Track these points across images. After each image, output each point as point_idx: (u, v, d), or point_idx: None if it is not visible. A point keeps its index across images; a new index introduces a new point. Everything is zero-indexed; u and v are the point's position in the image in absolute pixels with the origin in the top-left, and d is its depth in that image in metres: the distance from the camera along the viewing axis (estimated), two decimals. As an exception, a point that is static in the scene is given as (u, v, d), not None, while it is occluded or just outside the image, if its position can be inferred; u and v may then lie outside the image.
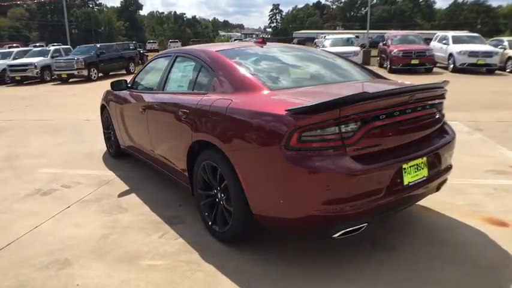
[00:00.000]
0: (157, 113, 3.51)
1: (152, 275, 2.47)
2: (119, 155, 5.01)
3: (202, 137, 2.74)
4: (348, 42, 18.22)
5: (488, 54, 13.96)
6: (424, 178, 2.50)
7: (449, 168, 2.83)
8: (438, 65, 15.68)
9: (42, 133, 6.98)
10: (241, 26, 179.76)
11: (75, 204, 3.72)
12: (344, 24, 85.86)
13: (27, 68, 16.52)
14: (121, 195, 3.87)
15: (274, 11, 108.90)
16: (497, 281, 2.35)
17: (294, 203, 2.22)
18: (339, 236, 2.22)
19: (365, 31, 27.87)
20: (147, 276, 2.46)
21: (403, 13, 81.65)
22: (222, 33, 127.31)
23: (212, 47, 3.37)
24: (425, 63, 14.62)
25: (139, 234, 3.04)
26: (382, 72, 15.42)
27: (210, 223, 2.88)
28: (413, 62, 14.54)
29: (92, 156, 5.30)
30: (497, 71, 14.35)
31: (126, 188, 4.08)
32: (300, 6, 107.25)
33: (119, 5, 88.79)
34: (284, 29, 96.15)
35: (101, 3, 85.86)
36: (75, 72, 16.20)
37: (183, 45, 45.34)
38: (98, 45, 18.40)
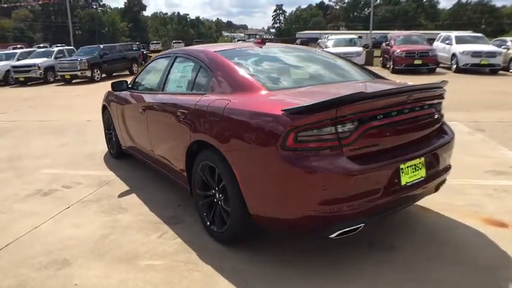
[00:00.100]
0: (157, 114, 3.53)
1: (150, 275, 2.48)
2: (120, 156, 5.03)
3: (201, 137, 2.75)
4: (351, 42, 18.21)
5: (492, 55, 13.89)
6: (422, 178, 2.49)
7: (448, 168, 2.82)
8: (441, 65, 15.63)
9: (45, 134, 7.02)
10: (244, 27, 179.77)
11: (75, 204, 3.73)
12: (347, 25, 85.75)
13: (30, 69, 16.61)
14: (121, 195, 3.89)
15: (278, 11, 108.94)
16: (495, 281, 2.34)
17: (290, 203, 2.22)
18: (335, 236, 2.22)
19: (368, 31, 27.83)
20: (145, 276, 2.47)
21: (406, 13, 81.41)
22: (225, 33, 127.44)
23: (211, 48, 3.37)
24: (428, 63, 14.57)
25: (138, 234, 3.05)
26: (385, 72, 15.51)
27: (208, 223, 2.89)
28: (416, 62, 14.49)
29: (93, 156, 5.33)
30: (500, 71, 14.27)
31: (126, 188, 4.10)
32: (304, 6, 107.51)
33: (123, 6, 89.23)
34: (287, 29, 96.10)
35: (104, 4, 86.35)
36: (79, 73, 16.27)
37: (186, 45, 45.43)
38: (101, 46, 18.47)
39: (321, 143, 2.12)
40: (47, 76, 17.05)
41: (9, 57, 18.34)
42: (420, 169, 2.48)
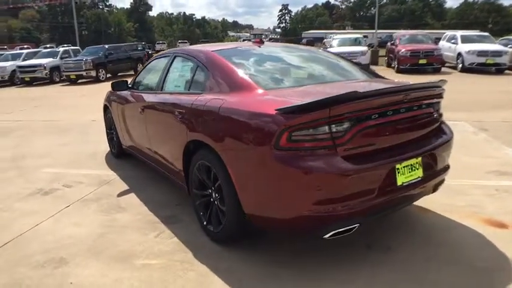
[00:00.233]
0: (155, 113, 3.54)
1: (146, 274, 2.49)
2: (121, 155, 5.05)
3: (197, 137, 2.75)
4: (356, 42, 18.11)
5: (498, 54, 13.74)
6: (419, 178, 2.47)
7: (446, 168, 2.80)
8: (447, 64, 15.50)
9: (49, 133, 7.07)
10: (250, 27, 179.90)
11: (75, 203, 3.75)
12: (353, 24, 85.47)
13: (36, 69, 16.76)
14: (120, 195, 3.90)
15: (284, 11, 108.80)
16: (492, 283, 2.32)
17: (284, 203, 2.21)
18: (330, 236, 2.20)
19: (374, 31, 27.70)
20: (141, 275, 2.48)
21: (413, 12, 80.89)
22: (231, 33, 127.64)
23: (210, 47, 3.37)
24: (433, 63, 14.45)
25: (136, 233, 3.06)
26: (389, 72, 15.44)
27: (205, 223, 2.89)
28: (421, 61, 14.38)
29: (95, 156, 5.35)
30: (506, 71, 14.12)
31: (126, 187, 4.11)
32: (309, 6, 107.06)
33: (129, 6, 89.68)
34: (293, 29, 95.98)
35: (111, 5, 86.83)
36: (84, 73, 16.39)
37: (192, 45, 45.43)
38: (106, 46, 18.58)
39: (314, 143, 2.11)
40: (52, 76, 17.19)
41: (15, 57, 18.53)
42: (417, 169, 2.46)
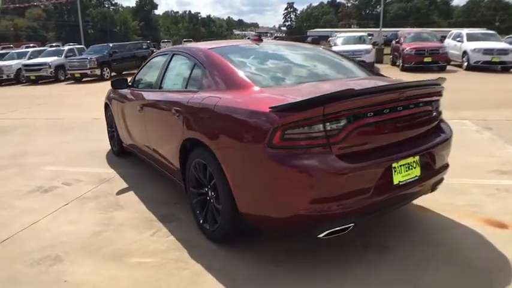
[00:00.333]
0: (153, 111, 3.53)
1: (139, 273, 2.48)
2: (122, 153, 5.05)
3: (193, 135, 2.74)
4: (360, 40, 17.97)
5: (503, 52, 13.56)
6: (417, 177, 2.43)
7: (445, 167, 2.76)
8: (452, 63, 15.35)
9: (52, 131, 7.10)
10: (255, 25, 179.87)
11: (74, 201, 3.76)
12: (359, 22, 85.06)
13: (41, 67, 16.86)
14: (119, 193, 3.90)
15: (289, 9, 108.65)
16: (491, 284, 2.28)
17: (278, 202, 2.19)
18: (324, 236, 2.18)
19: (379, 29, 27.54)
20: (134, 274, 2.47)
21: (419, 10, 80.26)
22: (236, 32, 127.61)
23: (207, 45, 3.36)
24: (438, 61, 14.30)
25: (132, 231, 3.06)
26: (394, 70, 15.33)
27: (201, 221, 2.88)
28: (426, 60, 14.25)
29: (96, 154, 5.36)
30: (512, 69, 13.97)
31: (125, 186, 4.11)
32: (315, 4, 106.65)
33: (134, 5, 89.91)
34: (298, 27, 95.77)
35: (116, 3, 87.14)
36: (88, 72, 16.47)
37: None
38: (111, 45, 18.62)
39: (308, 141, 2.08)
40: (57, 74, 17.28)
41: (20, 56, 18.65)
42: (414, 168, 2.42)
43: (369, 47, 16.77)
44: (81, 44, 24.35)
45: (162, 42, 56.11)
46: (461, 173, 3.91)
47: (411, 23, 65.99)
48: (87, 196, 3.87)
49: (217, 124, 2.49)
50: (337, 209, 2.12)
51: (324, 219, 2.14)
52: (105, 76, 16.89)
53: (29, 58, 18.09)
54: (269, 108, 2.11)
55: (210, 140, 2.52)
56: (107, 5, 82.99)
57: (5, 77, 17.24)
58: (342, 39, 18.22)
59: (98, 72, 16.56)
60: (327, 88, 2.45)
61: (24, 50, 21.52)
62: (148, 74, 4.15)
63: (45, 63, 16.93)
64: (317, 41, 47.21)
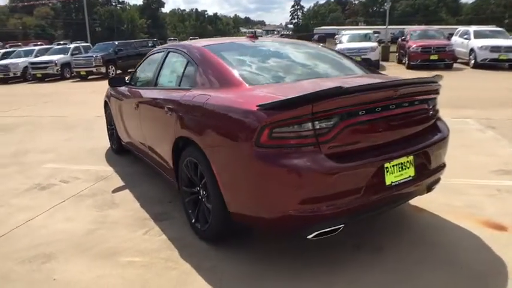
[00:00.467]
0: (148, 109, 3.51)
1: (128, 272, 2.47)
2: (121, 151, 5.04)
3: (184, 133, 2.71)
4: (366, 38, 17.78)
5: (511, 50, 13.35)
6: (410, 178, 2.38)
7: (441, 167, 2.69)
8: (459, 60, 15.17)
9: (55, 129, 7.13)
10: (262, 23, 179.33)
11: (70, 199, 3.76)
12: (366, 20, 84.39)
13: (47, 65, 16.97)
14: (115, 190, 3.90)
15: (296, 7, 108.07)
16: (486, 287, 2.22)
17: (266, 202, 2.15)
18: (313, 237, 2.14)
19: (388, 26, 27.23)
20: (123, 273, 2.46)
21: (427, 8, 79.37)
22: (243, 29, 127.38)
23: (202, 42, 3.32)
24: (444, 58, 14.12)
25: (125, 230, 3.05)
26: (400, 68, 15.16)
27: (193, 221, 2.85)
28: (432, 57, 14.07)
29: (96, 152, 5.37)
30: (520, 67, 13.74)
31: (122, 184, 4.11)
32: (322, 2, 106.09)
33: (141, 3, 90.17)
34: (305, 25, 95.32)
35: (123, 1, 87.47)
36: (94, 70, 16.54)
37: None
38: (116, 43, 18.68)
39: (297, 140, 2.04)
40: (63, 72, 17.39)
41: (27, 54, 18.80)
42: (408, 168, 2.37)
43: (374, 44, 16.59)
44: (87, 42, 24.46)
45: (169, 40, 56.17)
46: (461, 173, 3.84)
47: (419, 20, 65.27)
48: (83, 194, 3.87)
49: (207, 122, 2.46)
50: (326, 209, 2.08)
51: (313, 220, 2.10)
52: (111, 74, 16.93)
53: (36, 56, 18.23)
54: (256, 106, 2.07)
55: (200, 139, 2.49)
56: (114, 3, 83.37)
57: (12, 75, 17.39)
58: (347, 37, 18.04)
59: (103, 70, 16.61)
60: (320, 86, 2.40)
61: (31, 48, 21.67)
62: (145, 72, 4.14)
63: (51, 61, 17.04)
64: (323, 38, 47.02)
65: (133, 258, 2.62)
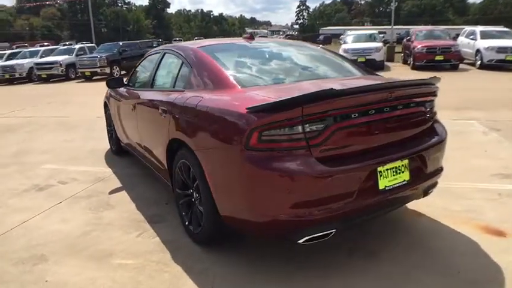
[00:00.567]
0: (145, 110, 3.50)
1: (120, 274, 2.45)
2: (120, 152, 5.04)
3: (177, 135, 2.69)
4: (371, 38, 17.66)
5: (518, 50, 13.18)
6: (405, 182, 2.34)
7: (438, 171, 2.64)
8: (466, 61, 15.00)
9: (57, 130, 7.16)
10: (268, 23, 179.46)
11: (67, 200, 3.76)
12: (372, 20, 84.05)
13: (52, 66, 17.09)
14: (112, 192, 3.89)
15: (301, 7, 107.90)
16: (481, 294, 2.18)
17: (255, 205, 2.12)
18: (304, 242, 2.10)
19: (393, 27, 27.10)
20: (115, 275, 2.44)
21: (434, 8, 78.80)
22: (248, 30, 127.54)
23: (198, 43, 3.30)
24: (450, 59, 13.95)
25: (119, 232, 3.03)
26: (405, 68, 15.03)
27: (186, 223, 2.83)
28: (438, 58, 13.91)
29: (96, 153, 5.38)
30: (527, 68, 13.56)
31: (119, 185, 4.10)
32: (328, 2, 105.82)
33: (147, 4, 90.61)
34: (311, 25, 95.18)
35: (129, 2, 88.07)
36: (98, 70, 16.63)
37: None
38: (121, 44, 18.76)
39: (287, 143, 2.01)
40: (68, 73, 17.49)
41: (33, 54, 18.95)
42: (403, 172, 2.33)
43: (379, 45, 16.48)
44: (92, 43, 24.60)
45: (174, 40, 56.39)
46: (462, 176, 3.79)
47: (425, 20, 64.81)
48: (80, 195, 3.87)
49: (199, 124, 2.44)
50: (317, 214, 2.04)
51: (303, 225, 2.07)
52: (115, 74, 16.99)
53: (41, 57, 18.37)
54: (246, 108, 2.04)
55: (192, 141, 2.47)
56: (120, 4, 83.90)
57: (17, 75, 17.54)
58: (352, 37, 17.93)
59: (107, 70, 16.69)
60: (313, 88, 2.37)
61: (36, 48, 21.84)
62: (142, 73, 4.14)
63: (56, 62, 17.16)
64: (329, 39, 46.89)
65: (126, 260, 2.61)
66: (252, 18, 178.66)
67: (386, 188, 2.24)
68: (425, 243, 2.72)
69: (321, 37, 51.22)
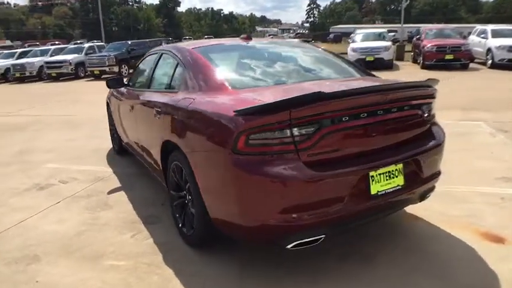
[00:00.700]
0: (142, 111, 3.49)
1: (110, 275, 2.45)
2: (122, 152, 5.06)
3: (170, 137, 2.68)
4: (380, 37, 17.46)
5: (530, 50, 12.89)
6: (399, 187, 2.28)
7: (435, 175, 2.57)
8: (477, 60, 14.74)
9: (62, 128, 7.23)
10: (278, 22, 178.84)
11: (66, 199, 3.78)
12: (383, 18, 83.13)
13: (62, 64, 17.30)
14: (111, 192, 3.90)
15: (312, 5, 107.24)
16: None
17: (243, 210, 2.10)
18: (293, 247, 2.07)
19: (405, 25, 26.77)
20: (105, 277, 2.44)
21: (446, 6, 77.62)
22: (259, 28, 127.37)
23: (194, 44, 3.29)
24: (460, 58, 13.70)
25: (114, 232, 3.04)
26: (414, 67, 14.82)
27: (180, 225, 2.82)
28: (448, 57, 13.68)
29: (98, 152, 5.40)
30: (540, 68, 13.25)
31: (118, 185, 4.11)
32: (338, 0, 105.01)
33: (158, 2, 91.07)
34: (321, 23, 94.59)
35: (140, 1, 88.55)
36: (107, 69, 16.74)
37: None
38: (129, 42, 18.89)
39: (274, 147, 1.97)
40: (77, 72, 17.68)
41: (43, 53, 19.19)
42: (396, 176, 2.27)
43: (388, 43, 16.26)
44: (102, 41, 24.82)
45: (184, 39, 56.55)
46: (464, 180, 3.70)
47: (438, 18, 63.94)
48: (79, 195, 3.89)
49: (189, 126, 2.43)
50: (306, 219, 2.01)
51: (292, 230, 2.03)
52: (124, 73, 17.10)
53: (51, 55, 18.58)
54: (234, 111, 2.01)
55: (183, 143, 2.46)
56: (130, 3, 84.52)
57: (27, 74, 17.78)
58: (361, 36, 17.73)
59: (116, 69, 16.79)
60: (305, 90, 2.33)
61: (47, 47, 22.11)
62: (141, 74, 4.13)
63: (65, 61, 17.35)
64: (339, 37, 46.49)
65: (118, 261, 2.61)
66: (262, 16, 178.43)
67: (379, 193, 2.19)
68: (423, 248, 2.65)
69: (331, 36, 50.84)
